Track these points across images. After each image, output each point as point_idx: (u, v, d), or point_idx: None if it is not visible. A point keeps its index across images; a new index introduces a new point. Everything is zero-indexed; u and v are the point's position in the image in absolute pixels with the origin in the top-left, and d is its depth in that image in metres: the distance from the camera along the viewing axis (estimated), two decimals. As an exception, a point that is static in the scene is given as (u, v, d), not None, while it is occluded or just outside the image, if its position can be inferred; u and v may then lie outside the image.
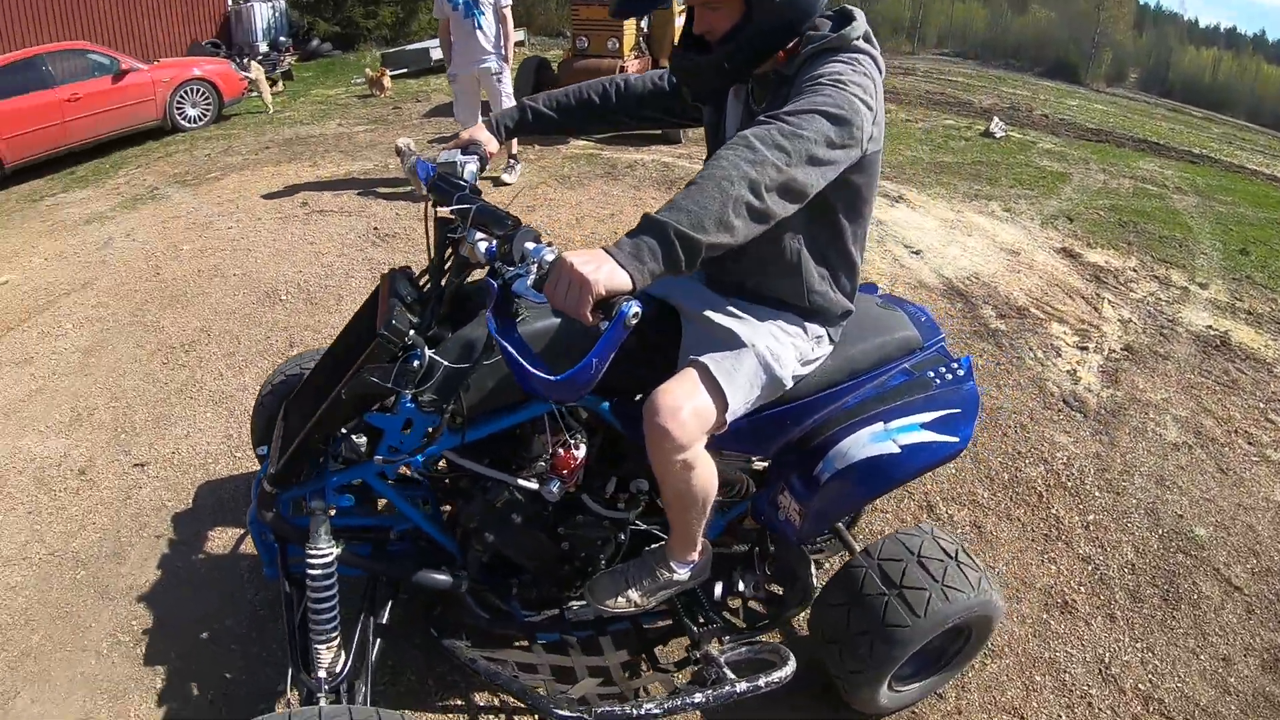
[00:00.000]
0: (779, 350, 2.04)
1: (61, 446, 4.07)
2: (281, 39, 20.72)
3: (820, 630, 2.49)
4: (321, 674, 2.10)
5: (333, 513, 2.16)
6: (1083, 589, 3.18)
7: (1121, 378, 4.66)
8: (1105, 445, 4.01)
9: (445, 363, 1.91)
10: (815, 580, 2.52)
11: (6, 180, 10.46)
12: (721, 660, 2.34)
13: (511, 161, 7.87)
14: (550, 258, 1.52)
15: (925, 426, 2.22)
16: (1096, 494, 3.67)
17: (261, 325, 5.14)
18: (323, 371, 2.21)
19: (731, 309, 2.11)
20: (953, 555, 2.29)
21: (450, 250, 1.95)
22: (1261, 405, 4.52)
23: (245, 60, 15.70)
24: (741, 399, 1.98)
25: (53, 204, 9.15)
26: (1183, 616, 3.08)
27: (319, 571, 2.06)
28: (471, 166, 2.16)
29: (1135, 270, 6.32)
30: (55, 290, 6.17)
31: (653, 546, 2.37)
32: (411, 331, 1.87)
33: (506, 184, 7.74)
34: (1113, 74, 41.88)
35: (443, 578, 2.26)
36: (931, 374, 2.32)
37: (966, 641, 2.49)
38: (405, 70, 15.48)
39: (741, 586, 2.53)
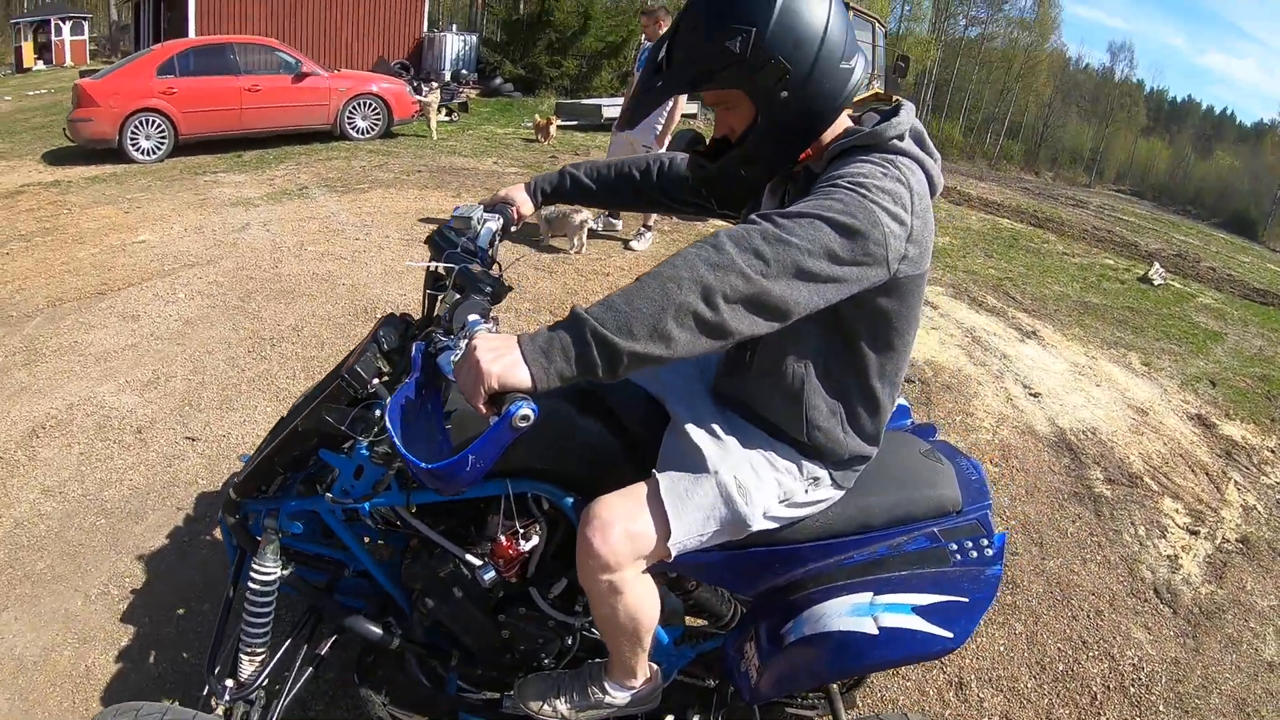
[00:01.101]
0: (750, 485, 1.77)
1: (131, 403, 4.48)
2: (464, 71, 21.80)
3: None
4: (229, 682, 2.13)
5: (283, 535, 2.15)
6: (1112, 825, 2.76)
7: (1229, 574, 4.12)
8: (1188, 651, 3.51)
9: None
10: None
11: (178, 149, 11.25)
12: None
13: (643, 230, 7.86)
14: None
15: (918, 611, 1.87)
16: (1161, 708, 3.18)
17: (348, 337, 5.26)
18: (310, 397, 2.14)
19: (717, 426, 1.86)
20: None
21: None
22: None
23: (424, 85, 16.47)
24: (689, 530, 1.74)
25: (210, 180, 9.82)
26: None
27: (258, 586, 2.09)
28: (491, 225, 2.16)
29: (1274, 451, 5.72)
30: (182, 259, 6.71)
31: (594, 660, 2.15)
32: (376, 380, 1.83)
33: (634, 250, 7.74)
34: (1293, 234, 39.89)
35: (375, 629, 2.15)
36: (954, 546, 1.95)
37: None
38: (575, 123, 15.92)
39: None
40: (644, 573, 1.82)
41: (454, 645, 2.27)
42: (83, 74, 14.88)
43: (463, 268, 1.89)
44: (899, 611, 1.87)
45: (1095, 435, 5.34)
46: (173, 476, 3.85)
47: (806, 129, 1.69)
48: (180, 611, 3.07)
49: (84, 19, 32.24)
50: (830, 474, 1.87)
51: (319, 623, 2.32)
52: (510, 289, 1.93)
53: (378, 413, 1.76)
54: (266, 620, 2.14)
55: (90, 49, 31.90)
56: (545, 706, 2.05)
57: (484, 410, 1.39)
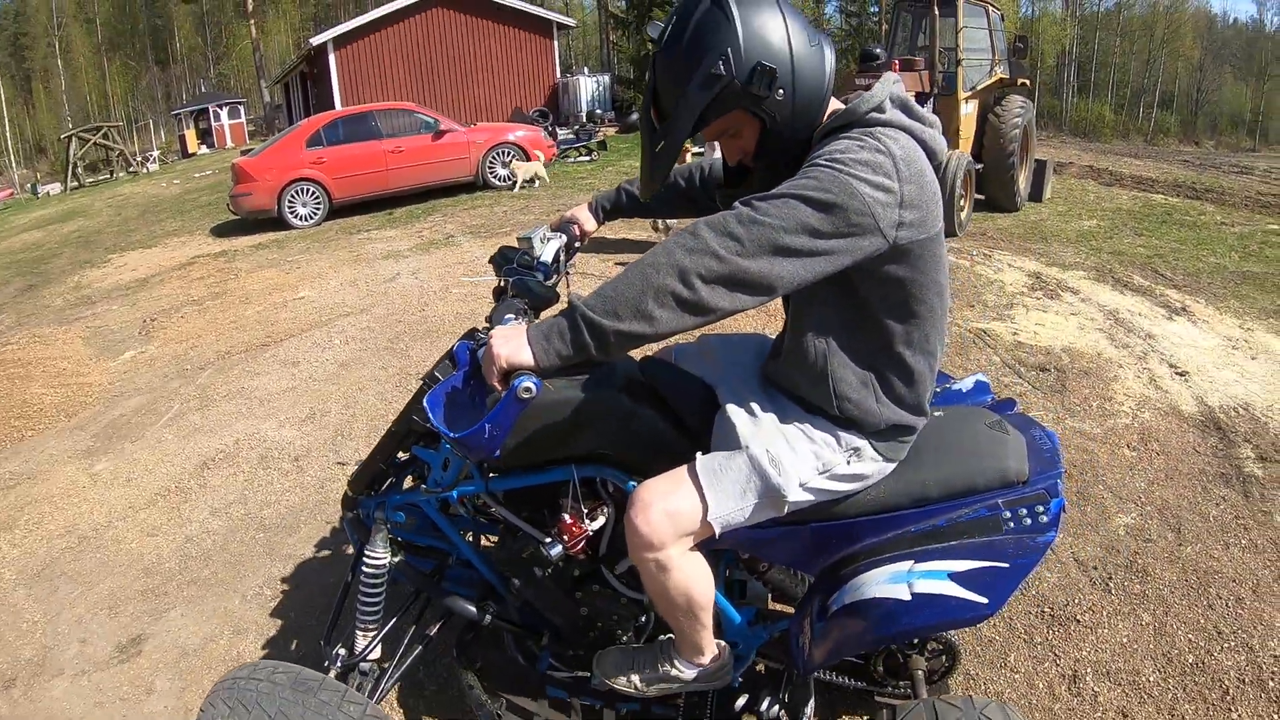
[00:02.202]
0: (784, 457, 1.81)
1: (290, 436, 5.04)
2: (599, 111, 22.38)
3: None
4: (342, 651, 2.40)
5: (391, 525, 2.41)
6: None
7: (1397, 560, 3.75)
8: None
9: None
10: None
11: (333, 214, 12.11)
12: None
13: None
14: None
15: (953, 577, 1.86)
16: None
17: (486, 373, 5.58)
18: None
19: (755, 405, 1.93)
20: None
21: None
22: None
23: (557, 128, 17.10)
24: (727, 505, 1.81)
25: (364, 238, 10.58)
26: None
27: (370, 570, 2.36)
28: (554, 244, 2.34)
29: None
30: (339, 310, 7.31)
31: (666, 637, 2.23)
32: None
33: None
34: None
35: (470, 608, 2.35)
36: (1008, 514, 1.91)
37: None
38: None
39: (763, 706, 2.30)
40: (692, 550, 1.89)
41: (544, 625, 2.42)
42: (242, 153, 16.21)
43: (518, 279, 2.12)
44: (934, 578, 1.87)
45: (1248, 411, 4.95)
46: (324, 496, 4.28)
47: (810, 116, 1.74)
48: (322, 607, 3.39)
49: (240, 104, 35.14)
50: (871, 445, 1.88)
51: (427, 606, 2.61)
52: (556, 297, 2.13)
53: (425, 403, 1.89)
54: (378, 601, 2.39)
55: (249, 130, 34.58)
56: (621, 678, 2.16)
57: (499, 387, 1.63)
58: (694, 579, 1.91)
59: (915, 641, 2.60)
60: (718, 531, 1.84)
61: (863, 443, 1.88)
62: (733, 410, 1.92)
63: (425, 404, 1.82)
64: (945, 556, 1.91)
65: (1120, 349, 5.94)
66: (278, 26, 56.94)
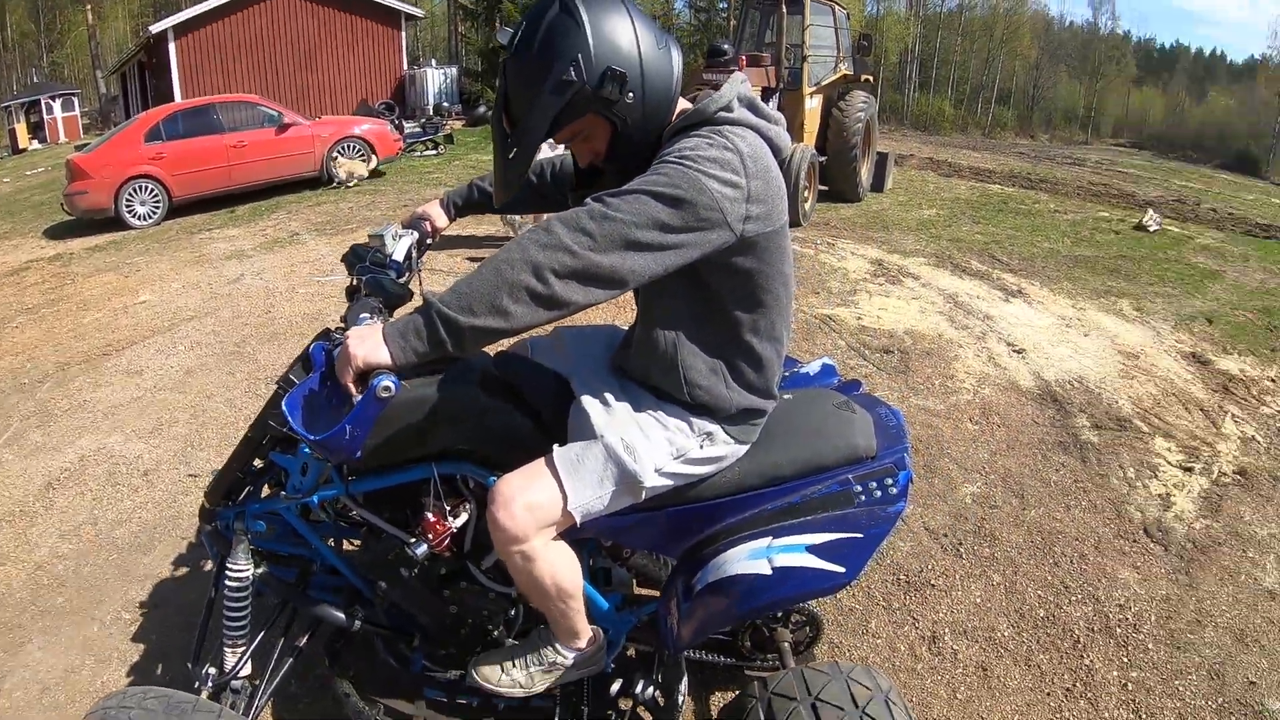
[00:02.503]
0: (638, 444, 1.84)
1: (138, 450, 4.72)
2: (446, 104, 22.01)
3: None
4: (212, 670, 2.29)
5: (252, 535, 2.32)
6: (1093, 763, 2.71)
7: (1225, 506, 4.07)
8: (1180, 587, 3.45)
9: None
10: (681, 700, 2.33)
11: (173, 212, 11.55)
12: None
13: None
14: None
15: (811, 549, 1.94)
16: (1150, 646, 3.13)
17: (338, 367, 5.42)
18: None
19: (609, 395, 1.96)
20: (860, 705, 2.00)
21: None
22: None
23: (404, 122, 16.71)
24: (586, 494, 1.83)
25: (205, 238, 10.14)
26: (1221, 810, 2.55)
27: (233, 584, 2.26)
28: (406, 241, 2.30)
29: (1274, 381, 5.67)
30: (182, 314, 7.04)
31: (541, 626, 2.22)
32: None
33: None
34: (1298, 166, 39.36)
35: (339, 615, 2.28)
36: (859, 489, 2.01)
37: None
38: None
39: (638, 688, 2.34)
40: (555, 540, 1.90)
41: (415, 626, 2.39)
42: (76, 149, 15.22)
43: (371, 277, 2.08)
44: (793, 551, 1.95)
45: (1082, 384, 5.29)
46: (178, 511, 4.08)
47: (659, 117, 1.77)
48: (186, 627, 3.18)
49: (73, 95, 32.78)
50: (724, 429, 1.93)
51: (295, 617, 2.51)
52: (410, 295, 2.10)
53: (284, 406, 1.85)
54: (243, 615, 2.30)
55: (83, 123, 32.43)
56: (503, 677, 2.14)
57: (353, 389, 1.63)
58: (560, 567, 1.92)
59: (780, 615, 2.70)
60: (579, 520, 1.85)
61: (715, 427, 1.92)
62: (587, 401, 1.94)
63: (283, 407, 1.79)
64: (802, 531, 1.99)
65: (960, 330, 6.23)
66: (115, 13, 53.35)
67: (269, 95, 16.54)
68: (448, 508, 2.05)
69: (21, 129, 30.32)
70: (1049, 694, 2.92)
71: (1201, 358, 5.94)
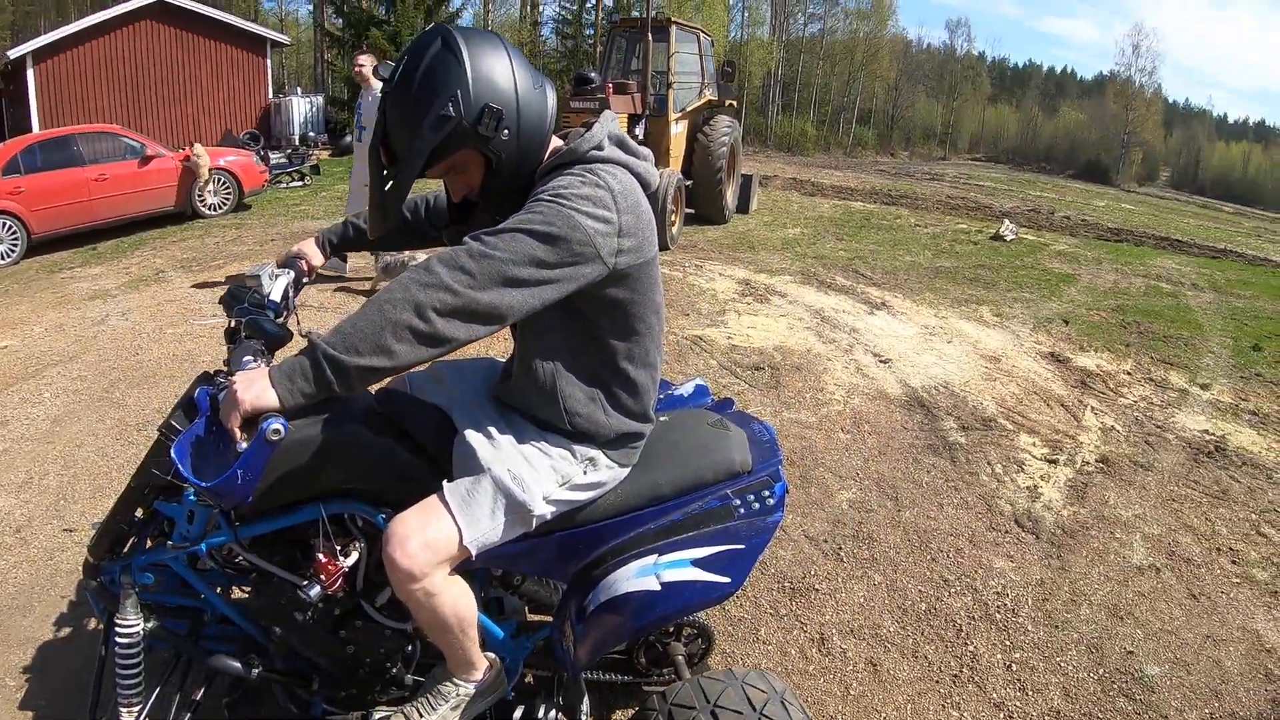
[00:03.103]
0: (525, 475, 1.88)
1: (8, 505, 4.39)
2: (312, 134, 21.56)
3: None
4: None
5: (140, 589, 2.24)
6: (985, 742, 2.82)
7: (1090, 493, 4.30)
8: (1053, 571, 3.63)
9: None
10: (585, 717, 2.35)
11: (33, 249, 11.01)
12: None
13: None
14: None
15: (696, 563, 2.02)
16: (1030, 628, 3.29)
17: (212, 412, 5.26)
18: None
19: (492, 428, 1.98)
20: (758, 708, 2.05)
21: None
22: (1254, 517, 4.15)
23: (268, 152, 16.31)
24: (479, 527, 1.85)
25: (67, 276, 9.72)
26: (1110, 777, 2.67)
27: (124, 640, 2.16)
28: (283, 280, 2.32)
29: (1129, 374, 6.01)
30: (46, 360, 6.76)
31: (434, 669, 2.24)
32: None
33: None
34: (1144, 174, 42.46)
35: (235, 664, 2.23)
36: (738, 502, 2.10)
37: None
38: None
39: (540, 714, 2.37)
40: (451, 574, 1.91)
41: (312, 670, 2.34)
42: (-74, 184, 14.33)
43: (251, 319, 2.05)
44: (679, 566, 2.01)
45: (947, 389, 5.52)
46: (55, 568, 3.88)
47: (533, 154, 1.82)
48: (74, 690, 3.06)
49: (-76, 126, 30.97)
50: (605, 454, 1.99)
51: (189, 670, 2.43)
52: (291, 335, 2.08)
53: (173, 453, 1.82)
54: (136, 672, 2.21)
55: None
56: None
57: (238, 434, 1.63)
58: (459, 600, 1.94)
59: (672, 629, 2.76)
60: (474, 553, 1.86)
61: (596, 453, 1.97)
62: (471, 435, 1.96)
63: (172, 455, 1.75)
64: (686, 546, 2.05)
65: (828, 344, 6.43)
66: (-33, 38, 50.93)
67: (132, 126, 15.89)
68: (338, 547, 2.03)
69: None
70: (938, 682, 3.03)
71: (1060, 356, 6.25)
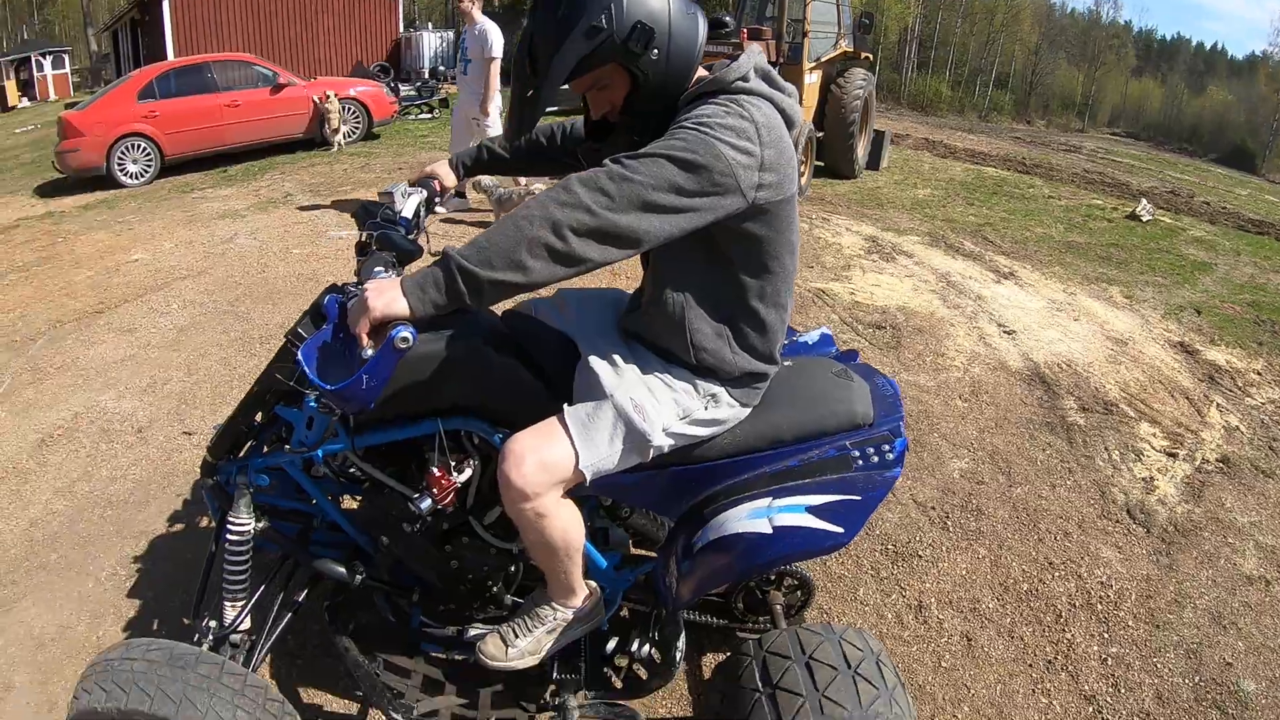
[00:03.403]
0: (647, 404, 1.88)
1: (131, 407, 4.75)
2: (442, 68, 21.82)
3: (700, 710, 2.41)
4: (212, 623, 2.34)
5: (254, 490, 2.34)
6: (1072, 734, 2.77)
7: (1207, 493, 4.13)
8: (1161, 569, 3.52)
9: None
10: (679, 655, 2.36)
11: (166, 171, 11.43)
12: (573, 713, 2.30)
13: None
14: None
15: (811, 510, 2.00)
16: (1130, 623, 3.20)
17: (330, 328, 5.44)
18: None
19: (617, 356, 1.99)
20: (852, 665, 2.05)
21: None
22: (1389, 535, 3.91)
23: (399, 85, 16.49)
24: (596, 453, 1.86)
25: (198, 197, 10.02)
26: (1193, 787, 2.61)
27: (234, 538, 2.29)
28: (415, 199, 2.36)
29: (1259, 374, 5.71)
30: (175, 273, 6.99)
31: (533, 593, 2.29)
32: None
33: None
34: (1294, 163, 39.55)
35: (340, 569, 2.33)
36: (857, 454, 2.07)
37: None
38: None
39: (635, 647, 2.39)
40: (563, 497, 1.94)
41: (415, 582, 2.43)
42: (67, 106, 15.01)
43: (381, 233, 2.07)
44: (793, 512, 2.00)
45: (1070, 367, 5.35)
46: (172, 468, 4.10)
47: (680, 79, 1.80)
48: (181, 584, 3.25)
49: (64, 52, 32.26)
50: (728, 391, 1.98)
51: (294, 572, 2.54)
52: (421, 251, 2.09)
53: (299, 356, 1.86)
54: (244, 569, 2.33)
55: (73, 81, 31.99)
56: (510, 650, 2.17)
57: (365, 341, 1.64)
58: (569, 523, 1.96)
59: (773, 577, 2.76)
60: (589, 478, 1.88)
61: (719, 389, 1.97)
62: (595, 361, 1.97)
63: (299, 357, 1.79)
64: (802, 492, 2.04)
65: (952, 309, 6.28)
66: (108, -31, 52.71)
67: (264, 56, 16.30)
68: (452, 463, 2.06)
69: (11, 87, 29.89)
70: (1031, 665, 2.99)
71: (1189, 347, 5.99)
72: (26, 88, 30.42)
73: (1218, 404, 5.15)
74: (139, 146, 11.47)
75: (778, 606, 2.73)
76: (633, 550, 2.72)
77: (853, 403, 2.10)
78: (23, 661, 3.04)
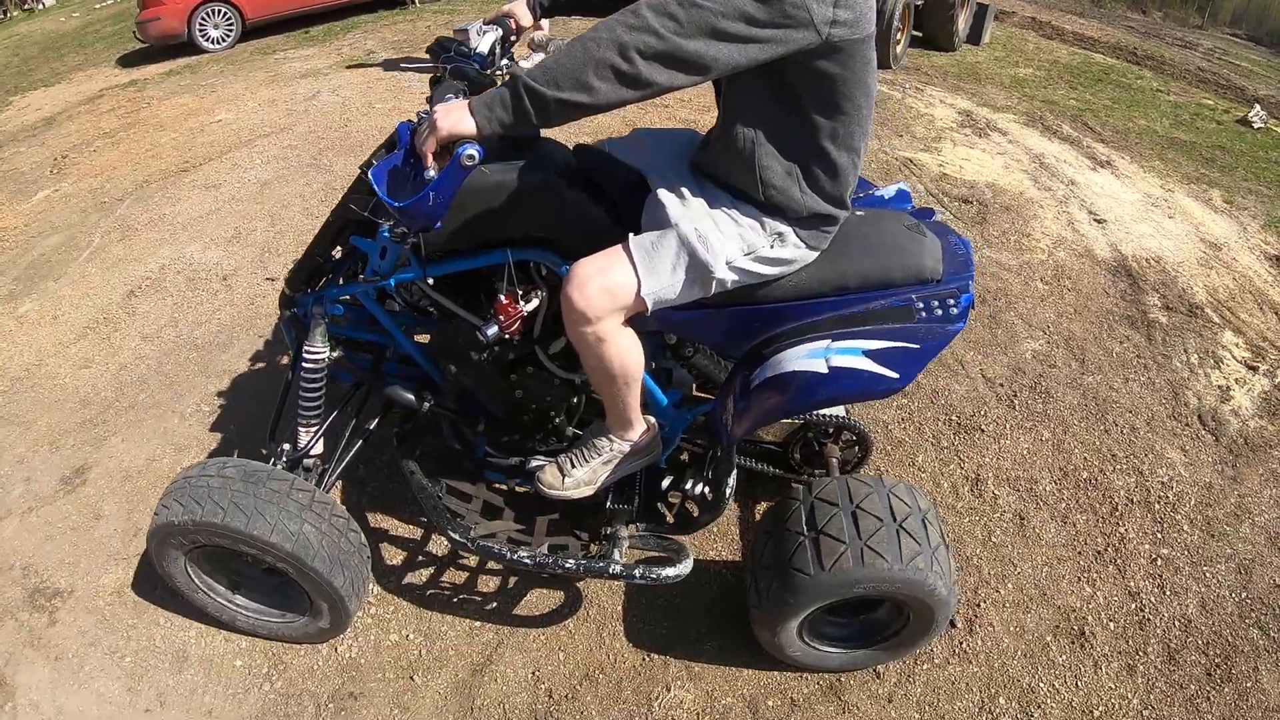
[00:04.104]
0: (711, 235, 1.89)
1: (217, 256, 4.98)
2: None
3: (748, 553, 2.45)
4: (286, 446, 2.48)
5: (330, 320, 2.45)
6: (1111, 625, 2.74)
7: (1283, 412, 3.99)
8: (1225, 479, 3.41)
9: None
10: (729, 492, 2.41)
11: (247, 35, 11.41)
12: (623, 542, 2.38)
13: None
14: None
15: (868, 354, 1.99)
16: (1185, 528, 3.13)
17: (413, 174, 5.54)
18: None
19: (685, 189, 2.00)
20: (898, 519, 2.06)
21: None
22: None
23: None
24: (659, 280, 1.91)
25: (280, 59, 10.08)
26: (1220, 702, 2.56)
27: (309, 365, 2.41)
28: (490, 36, 2.34)
29: (1356, 299, 5.47)
30: (258, 131, 7.14)
31: (592, 425, 2.37)
32: None
33: None
34: None
35: (409, 396, 2.44)
36: (921, 305, 2.04)
37: (906, 623, 2.26)
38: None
39: (689, 485, 2.46)
40: (625, 325, 1.97)
41: (480, 412, 2.53)
42: (146, -24, 14.94)
43: (455, 65, 2.09)
44: (849, 354, 1.99)
45: (1159, 264, 5.13)
46: (255, 312, 4.31)
47: None
48: (260, 419, 3.39)
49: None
50: (795, 231, 1.96)
51: (365, 403, 2.70)
52: (494, 83, 2.06)
53: (370, 175, 1.89)
54: (318, 396, 2.46)
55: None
56: (567, 480, 2.29)
57: (431, 160, 1.69)
58: (628, 351, 2.01)
59: (831, 430, 2.76)
60: (650, 306, 1.92)
61: (786, 229, 1.96)
62: (663, 194, 1.98)
63: (370, 175, 1.83)
64: (861, 336, 2.03)
65: (1042, 191, 6.06)
66: None
67: None
68: (520, 292, 2.12)
69: (88, -38, 29.78)
70: (1080, 553, 2.97)
71: (1285, 262, 5.72)
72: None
73: (1307, 324, 4.93)
74: (219, 12, 11.34)
75: (833, 460, 2.74)
76: (695, 393, 2.74)
77: (922, 256, 2.07)
78: (111, 492, 3.26)
